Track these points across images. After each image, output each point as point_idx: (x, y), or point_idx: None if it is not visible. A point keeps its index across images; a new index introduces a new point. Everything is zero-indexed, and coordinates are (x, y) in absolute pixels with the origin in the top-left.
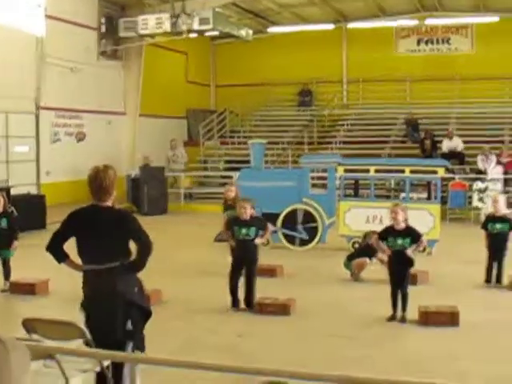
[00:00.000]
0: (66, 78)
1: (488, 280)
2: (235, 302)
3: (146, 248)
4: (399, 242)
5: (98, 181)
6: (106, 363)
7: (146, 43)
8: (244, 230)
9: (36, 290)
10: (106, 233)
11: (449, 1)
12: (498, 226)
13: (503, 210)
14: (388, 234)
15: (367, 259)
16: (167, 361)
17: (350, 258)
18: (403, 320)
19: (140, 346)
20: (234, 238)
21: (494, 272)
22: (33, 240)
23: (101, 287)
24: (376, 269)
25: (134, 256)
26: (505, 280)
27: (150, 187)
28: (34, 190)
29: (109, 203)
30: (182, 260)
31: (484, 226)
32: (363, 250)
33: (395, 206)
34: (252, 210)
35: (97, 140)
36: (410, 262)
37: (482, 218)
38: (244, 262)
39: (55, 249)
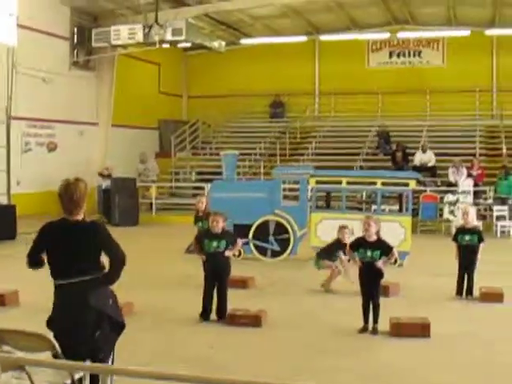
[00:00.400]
0: (38, 87)
1: (459, 292)
2: (205, 314)
3: (118, 261)
4: (369, 253)
5: (69, 194)
6: (78, 376)
7: (119, 54)
8: (215, 243)
9: (6, 300)
10: (76, 246)
11: (421, 14)
12: (468, 237)
13: (473, 222)
14: (359, 245)
15: (336, 267)
16: (139, 372)
17: (320, 254)
18: (375, 331)
19: (111, 358)
20: (204, 251)
21: (465, 284)
22: (3, 250)
23: (72, 301)
24: (345, 280)
25: (106, 269)
26: (476, 292)
27: (121, 198)
28: (4, 200)
29: (80, 216)
30: (152, 271)
31: (455, 238)
32: (333, 244)
33: (368, 218)
34: (224, 223)
35: (68, 150)
36: (379, 274)
37: (453, 230)
38: (215, 275)
39: (35, 264)
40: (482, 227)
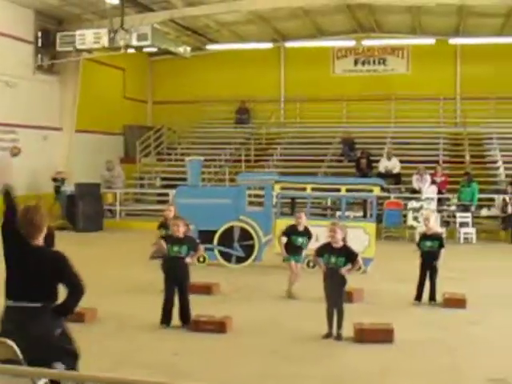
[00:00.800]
0: (1, 91)
1: (418, 297)
2: (165, 319)
3: (77, 293)
4: (333, 260)
5: (29, 218)
6: (40, 383)
7: (84, 58)
8: (176, 248)
9: None
10: (33, 273)
11: (386, 22)
12: (429, 243)
13: (435, 228)
14: (324, 250)
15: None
16: (102, 378)
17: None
18: (339, 337)
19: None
20: (166, 255)
21: (427, 290)
22: None
23: (14, 326)
24: (309, 284)
25: (61, 299)
26: (439, 298)
27: (86, 204)
28: None
29: (40, 241)
30: (117, 277)
31: (418, 244)
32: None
33: (334, 225)
34: (185, 227)
35: (32, 155)
36: (343, 281)
37: (417, 236)
38: (174, 279)
39: None
40: (445, 234)
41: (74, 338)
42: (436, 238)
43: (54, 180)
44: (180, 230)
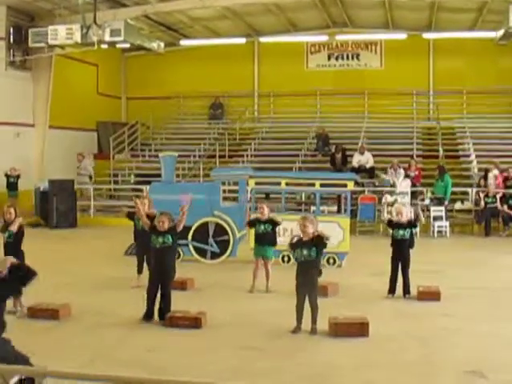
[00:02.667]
0: None
1: (392, 291)
2: (148, 315)
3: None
4: (305, 252)
5: None
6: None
7: (56, 54)
8: (161, 239)
9: None
10: None
11: (359, 17)
12: (401, 232)
13: (407, 218)
14: (296, 245)
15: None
16: (76, 374)
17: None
18: (313, 331)
19: None
20: (152, 247)
21: (400, 284)
22: None
23: None
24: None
25: None
26: (413, 291)
27: (59, 200)
28: None
29: None
30: (91, 273)
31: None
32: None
33: (304, 219)
34: (170, 222)
35: (5, 152)
36: (316, 273)
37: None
38: (161, 273)
39: None
40: (419, 227)
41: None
42: (409, 226)
43: (8, 176)
44: (165, 226)
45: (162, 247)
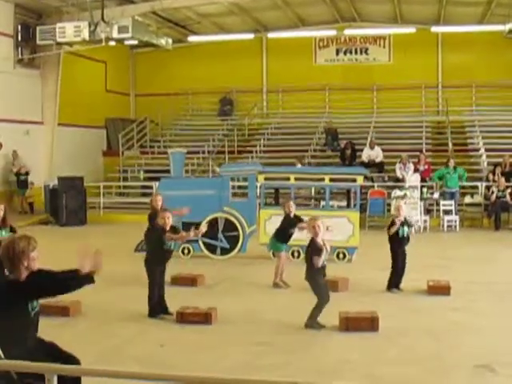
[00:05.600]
0: None
1: (396, 286)
2: (156, 311)
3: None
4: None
5: (4, 252)
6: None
7: (64, 52)
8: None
9: None
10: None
11: (367, 12)
12: (406, 229)
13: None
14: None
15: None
16: (87, 371)
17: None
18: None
19: None
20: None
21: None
22: None
23: None
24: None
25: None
26: (423, 285)
27: (69, 198)
28: None
29: (17, 275)
30: (101, 270)
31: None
32: (283, 221)
33: (313, 220)
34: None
35: (14, 150)
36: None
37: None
38: (164, 271)
39: None
40: (428, 221)
41: None
42: (408, 223)
43: (18, 174)
44: (169, 223)
45: (170, 249)
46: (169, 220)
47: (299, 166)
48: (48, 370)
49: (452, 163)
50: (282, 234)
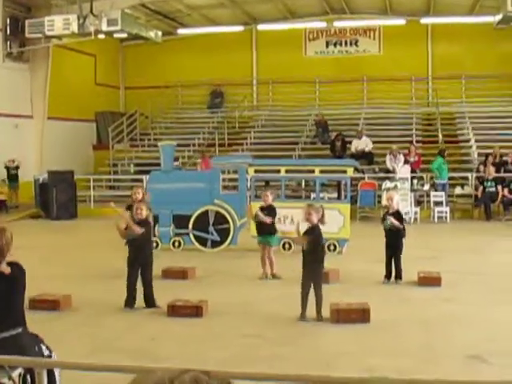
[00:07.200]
0: None
1: (388, 276)
2: (130, 302)
3: None
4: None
5: None
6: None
7: (54, 45)
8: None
9: None
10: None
11: (357, 3)
12: (389, 222)
13: (396, 207)
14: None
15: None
16: (77, 364)
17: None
18: (320, 319)
19: None
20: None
21: (393, 268)
22: None
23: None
24: (284, 266)
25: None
26: (413, 276)
27: (59, 191)
28: None
29: (2, 265)
30: (92, 264)
31: (383, 221)
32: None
33: (309, 207)
34: (147, 211)
35: (4, 144)
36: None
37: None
38: (140, 261)
39: None
40: (419, 213)
41: None
42: (394, 215)
43: (8, 168)
44: (143, 214)
45: (142, 238)
46: (139, 211)
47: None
48: (38, 364)
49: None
50: (257, 226)
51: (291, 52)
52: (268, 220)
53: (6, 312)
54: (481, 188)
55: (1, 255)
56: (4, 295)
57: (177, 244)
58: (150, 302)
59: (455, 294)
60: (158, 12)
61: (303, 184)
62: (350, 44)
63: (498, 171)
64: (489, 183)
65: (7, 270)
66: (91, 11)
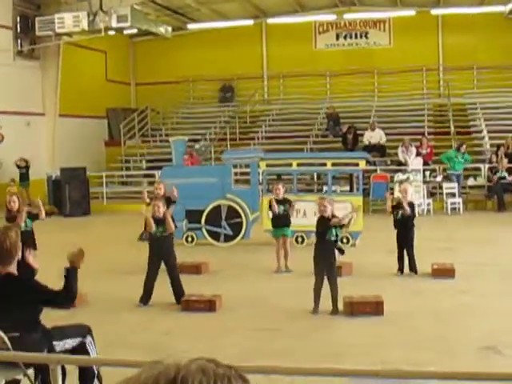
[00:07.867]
0: None
1: (400, 269)
2: (145, 298)
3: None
4: (333, 231)
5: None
6: (30, 370)
7: (64, 42)
8: (161, 228)
9: None
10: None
11: None
12: (401, 212)
13: (410, 199)
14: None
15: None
16: (90, 360)
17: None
18: (334, 312)
19: None
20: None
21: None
22: None
23: None
24: (298, 259)
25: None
26: (427, 268)
27: (72, 188)
28: None
29: (12, 268)
30: (105, 260)
31: (392, 212)
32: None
33: (322, 199)
34: (164, 207)
35: (16, 141)
36: (334, 254)
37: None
38: (162, 258)
39: None
40: (432, 204)
41: None
42: (404, 208)
43: (18, 167)
44: (160, 211)
45: (162, 236)
46: (156, 209)
47: None
48: (53, 360)
49: (464, 149)
50: (273, 219)
51: (301, 45)
52: (277, 209)
53: (7, 313)
54: (495, 178)
55: (10, 256)
56: (9, 297)
57: (190, 239)
58: (178, 299)
59: (469, 286)
60: (168, 7)
61: (315, 177)
62: (360, 36)
63: (510, 162)
64: (502, 174)
65: (15, 271)
66: (101, 8)
